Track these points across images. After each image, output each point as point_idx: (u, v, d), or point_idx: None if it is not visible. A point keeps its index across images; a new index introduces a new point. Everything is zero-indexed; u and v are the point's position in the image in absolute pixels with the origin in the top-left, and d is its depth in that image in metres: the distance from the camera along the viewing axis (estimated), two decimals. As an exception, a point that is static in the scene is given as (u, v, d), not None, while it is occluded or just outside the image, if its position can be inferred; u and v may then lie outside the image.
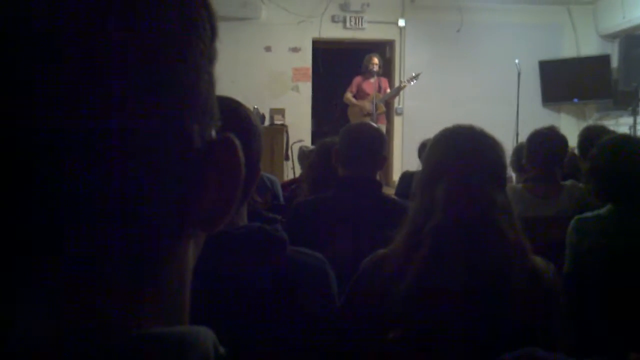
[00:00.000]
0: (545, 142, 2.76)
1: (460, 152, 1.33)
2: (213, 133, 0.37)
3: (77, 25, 0.29)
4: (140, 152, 0.31)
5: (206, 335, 0.35)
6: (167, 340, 0.33)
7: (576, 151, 3.63)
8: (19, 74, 0.28)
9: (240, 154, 0.37)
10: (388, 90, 7.51)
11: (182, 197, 0.34)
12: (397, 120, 8.56)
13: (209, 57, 0.37)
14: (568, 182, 2.79)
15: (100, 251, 0.31)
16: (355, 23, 8.37)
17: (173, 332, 0.34)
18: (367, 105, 7.16)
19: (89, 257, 0.31)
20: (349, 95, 7.45)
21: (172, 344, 0.33)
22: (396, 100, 8.25)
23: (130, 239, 0.32)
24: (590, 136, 3.33)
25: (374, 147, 2.21)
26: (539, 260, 1.31)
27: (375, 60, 7.31)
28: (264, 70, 8.22)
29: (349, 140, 2.22)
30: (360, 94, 7.40)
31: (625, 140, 2.30)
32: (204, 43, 0.36)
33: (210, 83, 0.37)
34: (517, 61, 7.37)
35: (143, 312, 0.34)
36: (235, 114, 1.12)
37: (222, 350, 0.37)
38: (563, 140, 2.81)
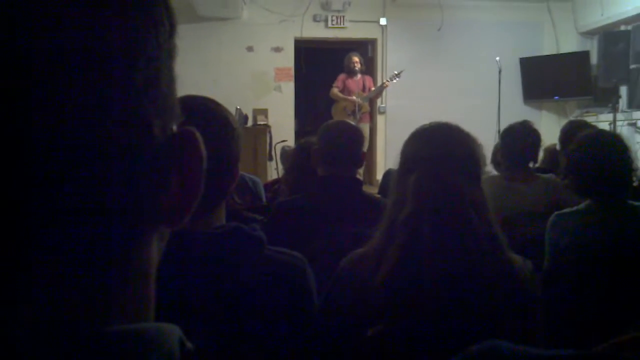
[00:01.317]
0: (518, 136, 2.83)
1: (432, 145, 1.34)
2: (174, 127, 0.37)
3: (32, 24, 0.29)
4: (99, 148, 0.31)
5: (171, 331, 0.35)
6: (129, 337, 0.33)
7: (558, 146, 3.67)
8: None
9: (202, 147, 0.37)
10: (372, 89, 7.54)
11: (144, 191, 0.34)
12: (380, 119, 8.59)
13: (169, 52, 0.37)
14: (547, 176, 2.85)
15: (61, 249, 0.31)
16: (337, 22, 8.39)
17: (136, 328, 0.34)
18: (354, 100, 7.17)
19: (52, 255, 0.31)
20: (335, 91, 7.45)
21: (134, 341, 0.33)
22: (379, 99, 8.27)
23: (92, 236, 0.32)
24: (572, 130, 3.35)
25: (353, 145, 2.21)
26: (515, 258, 1.31)
27: (356, 58, 7.34)
28: (246, 71, 8.20)
29: (328, 140, 2.22)
30: (345, 92, 7.43)
31: (602, 135, 2.32)
32: (163, 38, 0.36)
33: (171, 78, 0.37)
34: (497, 58, 7.43)
35: (106, 309, 0.34)
36: (213, 115, 1.12)
37: (189, 345, 0.37)
38: (535, 134, 2.88)
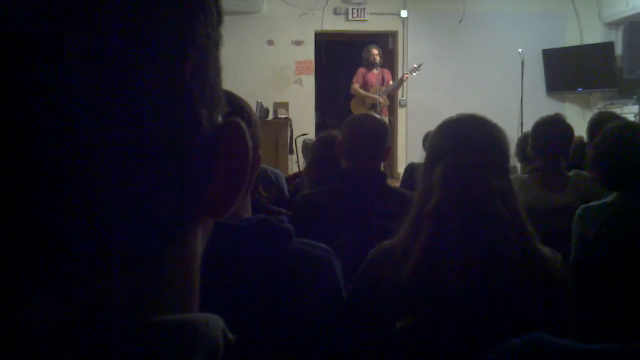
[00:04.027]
0: (551, 131, 2.69)
1: (459, 136, 1.34)
2: (219, 118, 0.37)
3: (79, 14, 0.29)
4: (148, 138, 0.31)
5: (215, 321, 0.36)
6: (176, 327, 0.33)
7: (585, 138, 3.61)
8: (23, 75, 0.28)
9: (248, 137, 0.37)
10: (390, 82, 7.51)
11: (191, 182, 0.34)
12: (400, 112, 8.55)
13: (216, 42, 0.37)
14: (572, 173, 2.75)
15: (108, 240, 0.31)
16: (358, 15, 8.35)
17: (182, 318, 0.34)
18: (375, 97, 7.15)
19: (98, 246, 0.31)
20: (356, 87, 7.45)
21: (181, 331, 0.33)
22: (399, 92, 8.24)
23: (140, 227, 0.32)
24: (600, 121, 3.27)
25: (378, 138, 2.20)
26: (546, 250, 1.31)
27: (375, 51, 7.31)
28: (266, 64, 8.21)
29: (353, 132, 2.21)
30: (364, 86, 7.41)
31: (629, 128, 2.29)
32: (211, 27, 0.36)
33: (217, 69, 0.37)
34: (520, 50, 7.34)
35: (152, 300, 0.34)
36: (231, 103, 1.13)
37: (231, 336, 0.37)
38: (568, 129, 2.74)
